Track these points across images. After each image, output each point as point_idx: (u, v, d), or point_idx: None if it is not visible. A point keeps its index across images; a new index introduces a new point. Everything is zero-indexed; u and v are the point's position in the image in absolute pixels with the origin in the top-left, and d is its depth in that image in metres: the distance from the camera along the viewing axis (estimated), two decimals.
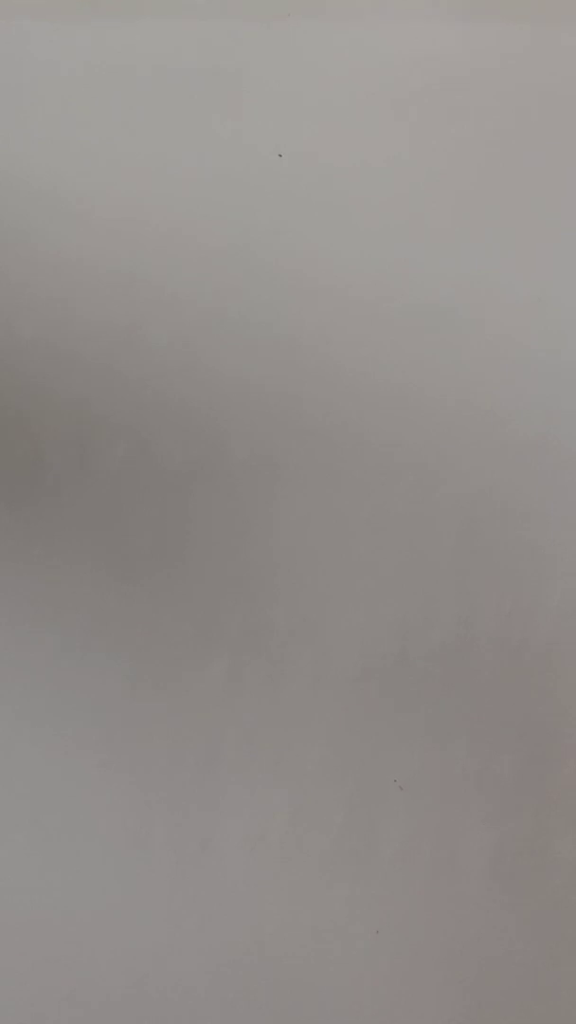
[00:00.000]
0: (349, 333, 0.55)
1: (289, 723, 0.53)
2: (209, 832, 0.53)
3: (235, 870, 0.53)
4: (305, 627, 0.54)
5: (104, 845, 0.53)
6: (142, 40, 0.56)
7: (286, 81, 0.56)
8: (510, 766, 0.53)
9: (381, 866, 0.53)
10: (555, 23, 0.57)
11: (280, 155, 0.55)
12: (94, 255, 0.55)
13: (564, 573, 0.54)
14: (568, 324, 0.55)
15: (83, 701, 0.53)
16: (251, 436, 0.54)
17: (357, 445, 0.54)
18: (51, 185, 0.55)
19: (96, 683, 0.53)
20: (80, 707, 0.53)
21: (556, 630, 0.53)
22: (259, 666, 0.53)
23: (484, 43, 0.56)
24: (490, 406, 0.54)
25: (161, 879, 0.53)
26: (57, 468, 0.54)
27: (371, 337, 0.55)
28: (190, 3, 0.56)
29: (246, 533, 0.54)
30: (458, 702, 0.53)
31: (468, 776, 0.53)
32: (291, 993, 0.52)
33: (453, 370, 0.55)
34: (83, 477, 0.54)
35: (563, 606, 0.54)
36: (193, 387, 0.54)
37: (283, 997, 0.52)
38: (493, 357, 0.55)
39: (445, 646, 0.53)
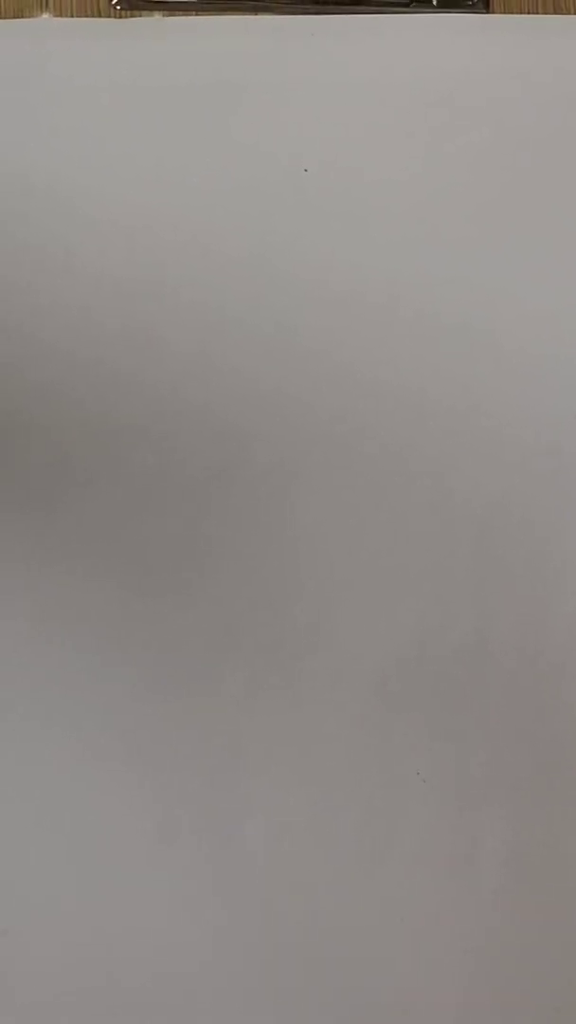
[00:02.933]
0: (369, 342, 0.56)
1: (308, 726, 0.54)
2: (232, 831, 0.53)
3: (257, 869, 0.53)
4: (324, 631, 0.54)
5: (127, 846, 0.53)
6: (163, 55, 0.57)
7: (309, 97, 0.57)
8: (528, 764, 0.54)
9: (403, 857, 0.54)
10: (572, 35, 0.58)
11: (306, 170, 0.56)
12: (118, 265, 0.56)
13: None
14: None
15: (104, 706, 0.54)
16: (271, 444, 0.55)
17: (375, 454, 0.55)
18: (77, 197, 0.56)
19: (116, 687, 0.54)
20: (101, 712, 0.54)
21: (571, 632, 0.54)
22: (278, 669, 0.54)
23: (502, 57, 0.57)
24: (507, 415, 0.55)
25: (186, 873, 0.53)
26: (76, 475, 0.55)
27: (390, 346, 0.56)
28: (213, 22, 0.58)
29: (265, 540, 0.55)
30: (475, 705, 0.54)
31: (487, 774, 0.54)
32: (315, 982, 0.53)
33: (471, 379, 0.56)
34: (102, 484, 0.55)
35: None
36: (215, 395, 0.55)
37: (307, 987, 0.53)
38: (510, 366, 0.55)
39: (462, 650, 0.54)
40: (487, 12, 0.58)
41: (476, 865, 0.54)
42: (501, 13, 0.58)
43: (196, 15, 0.58)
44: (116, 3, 0.58)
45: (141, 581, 0.54)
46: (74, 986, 0.53)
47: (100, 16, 0.58)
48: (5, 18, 0.58)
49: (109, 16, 0.58)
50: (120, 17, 0.58)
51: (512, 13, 0.59)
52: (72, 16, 0.58)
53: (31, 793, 0.54)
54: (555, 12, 0.59)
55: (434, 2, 0.58)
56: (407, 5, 0.58)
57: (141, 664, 0.54)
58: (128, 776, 0.54)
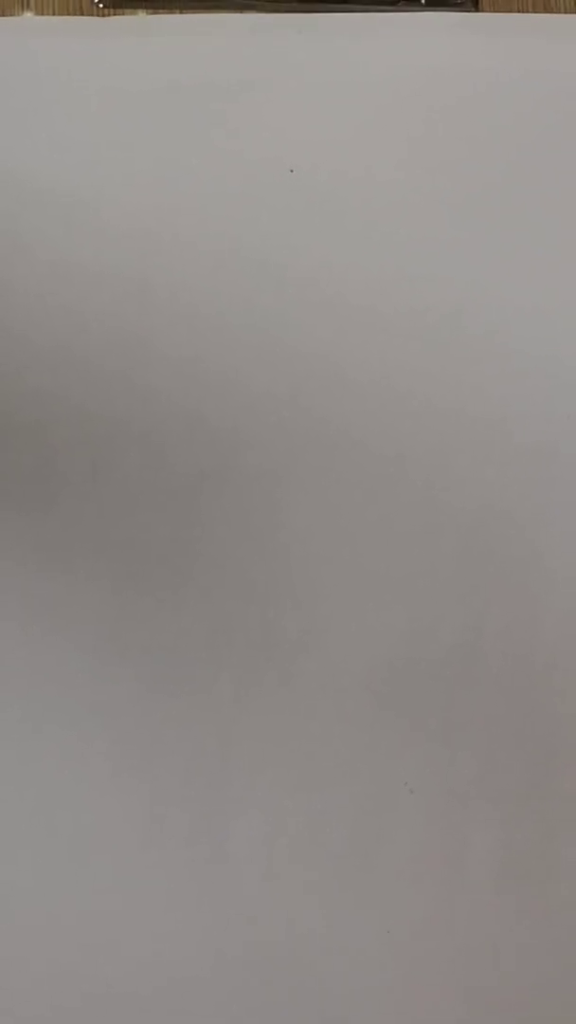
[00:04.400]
0: (357, 343, 0.55)
1: (299, 728, 0.54)
2: (222, 836, 0.54)
3: (247, 874, 0.54)
4: (314, 633, 0.54)
5: (118, 850, 0.54)
6: (150, 56, 0.56)
7: (295, 95, 0.56)
8: (518, 770, 0.54)
9: (392, 862, 0.54)
10: (562, 35, 0.57)
11: (292, 170, 0.56)
12: (106, 266, 0.55)
13: (568, 579, 0.54)
14: (572, 332, 0.55)
15: (95, 707, 0.54)
16: (259, 446, 0.55)
17: (366, 455, 0.55)
18: (65, 198, 0.56)
19: (107, 689, 0.54)
20: (92, 713, 0.54)
21: (561, 635, 0.54)
22: (269, 672, 0.54)
23: (497, 57, 0.57)
24: (495, 415, 0.55)
25: (174, 884, 0.53)
26: (68, 477, 0.55)
27: (378, 347, 0.55)
28: (198, 20, 0.57)
29: (255, 541, 0.55)
30: (465, 708, 0.54)
31: (476, 780, 0.54)
32: (302, 992, 0.53)
33: (459, 380, 0.55)
34: (94, 486, 0.55)
35: (567, 612, 0.54)
36: (203, 397, 0.55)
37: (295, 996, 0.53)
38: (498, 366, 0.55)
39: (452, 653, 0.54)
40: (476, 10, 0.58)
41: (467, 868, 0.54)
42: (490, 12, 0.58)
43: (180, 13, 0.57)
44: (99, 1, 0.57)
45: (131, 583, 0.54)
46: (64, 987, 0.53)
47: (83, 14, 0.58)
48: None
49: (92, 14, 0.58)
50: (103, 15, 0.57)
51: (501, 12, 0.58)
52: (54, 15, 0.58)
53: (21, 794, 0.54)
54: (545, 11, 0.58)
55: (422, 0, 0.57)
56: (395, 3, 0.57)
57: (131, 666, 0.54)
58: (119, 778, 0.54)
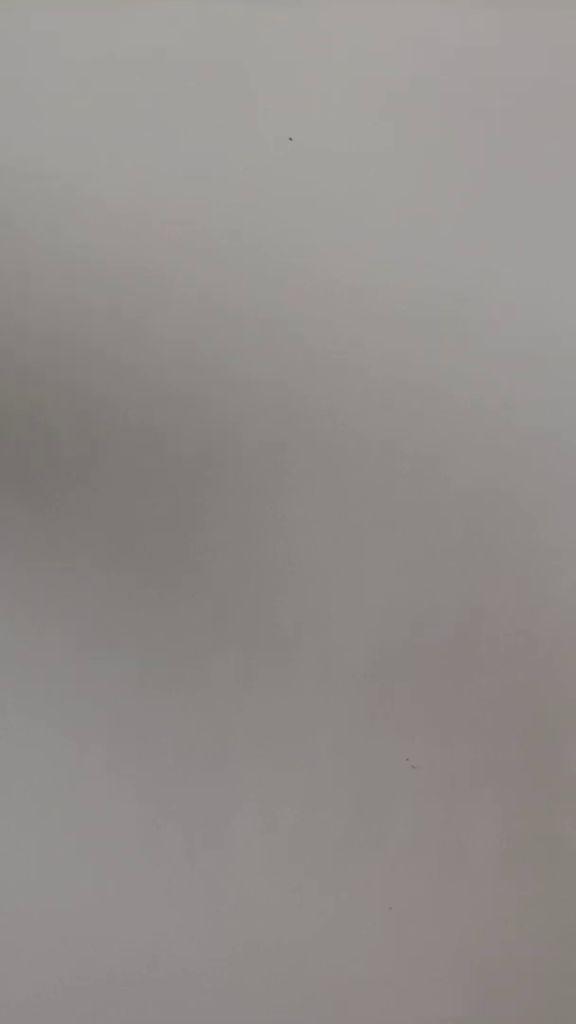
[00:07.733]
0: (357, 323, 0.55)
1: (300, 710, 0.54)
2: (225, 815, 0.54)
3: (249, 852, 0.54)
4: (315, 617, 0.54)
5: (119, 834, 0.54)
6: (150, 26, 0.56)
7: (295, 66, 0.55)
8: (519, 751, 0.54)
9: (393, 846, 0.54)
10: (562, 8, 0.56)
11: (291, 139, 0.55)
12: (103, 245, 0.55)
13: (570, 564, 0.54)
14: (573, 315, 0.55)
15: (95, 693, 0.54)
16: (260, 428, 0.54)
17: (366, 438, 0.54)
18: (60, 174, 0.55)
19: (108, 674, 0.54)
20: (92, 699, 0.54)
21: (563, 620, 0.54)
22: (270, 655, 0.54)
23: (492, 28, 0.55)
24: (497, 399, 0.54)
25: (175, 865, 0.54)
26: (68, 460, 0.54)
27: (379, 328, 0.55)
28: None
29: (255, 525, 0.54)
30: (467, 691, 0.54)
31: (477, 761, 0.54)
32: (306, 971, 0.53)
33: (460, 361, 0.55)
34: (93, 469, 0.54)
35: (569, 596, 0.54)
36: (203, 378, 0.55)
37: (298, 976, 0.53)
38: (500, 349, 0.54)
39: (454, 636, 0.54)
40: None
41: (468, 854, 0.54)
42: None
43: None
44: None
45: (129, 568, 0.54)
46: (64, 978, 0.53)
47: None
48: None
49: None
50: None
51: None
52: None
53: (18, 785, 0.54)
54: None
55: None
56: None
57: (131, 652, 0.54)
58: (117, 765, 0.54)
